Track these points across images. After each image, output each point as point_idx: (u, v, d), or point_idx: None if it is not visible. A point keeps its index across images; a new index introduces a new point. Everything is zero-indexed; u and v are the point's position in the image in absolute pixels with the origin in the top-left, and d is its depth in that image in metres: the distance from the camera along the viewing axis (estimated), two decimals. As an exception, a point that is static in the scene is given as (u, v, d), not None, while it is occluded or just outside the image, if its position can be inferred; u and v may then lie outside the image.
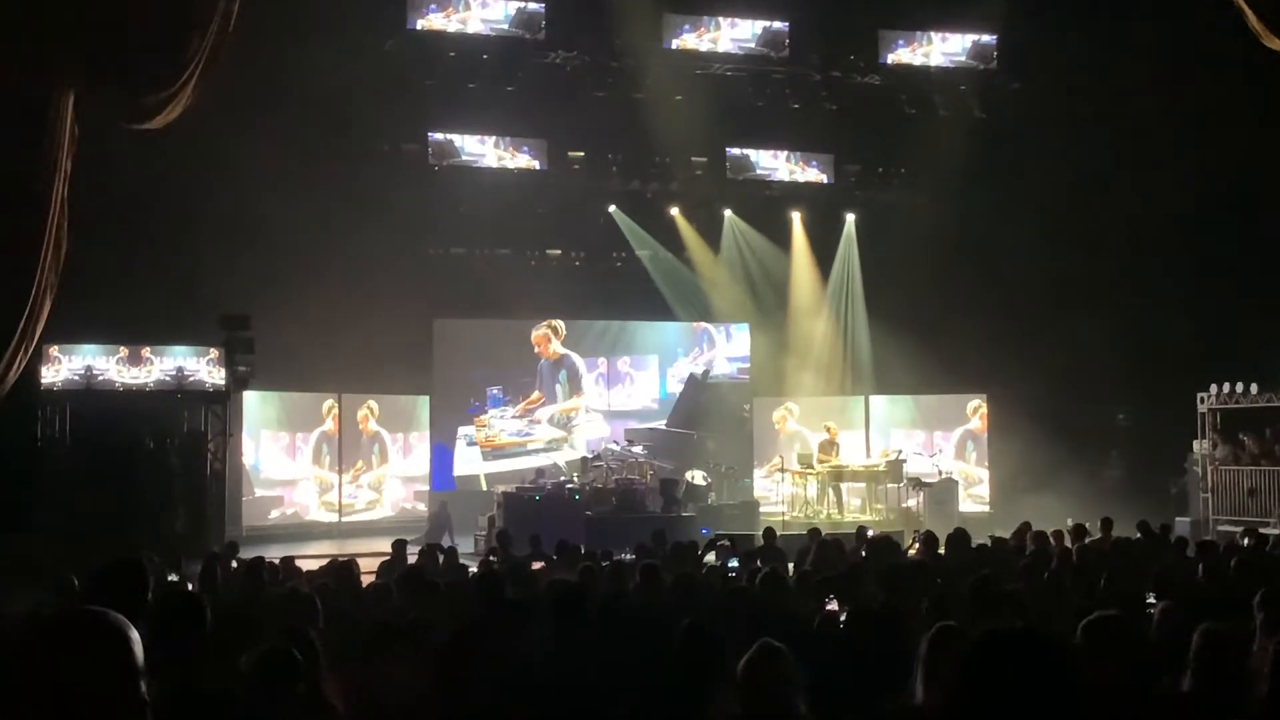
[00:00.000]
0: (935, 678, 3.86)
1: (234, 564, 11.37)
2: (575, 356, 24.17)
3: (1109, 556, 10.71)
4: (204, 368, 18.86)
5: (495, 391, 23.70)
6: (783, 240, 24.53)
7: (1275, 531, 14.65)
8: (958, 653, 2.69)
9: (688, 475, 20.99)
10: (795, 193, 24.21)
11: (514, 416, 23.73)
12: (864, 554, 11.59)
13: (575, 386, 24.18)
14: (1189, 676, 4.46)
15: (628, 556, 11.88)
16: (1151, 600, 7.42)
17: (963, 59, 22.80)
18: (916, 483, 20.80)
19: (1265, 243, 20.16)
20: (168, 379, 18.66)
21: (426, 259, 22.71)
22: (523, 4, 21.19)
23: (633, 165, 23.31)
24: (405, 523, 21.14)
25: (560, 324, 23.96)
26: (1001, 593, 7.04)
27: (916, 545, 12.42)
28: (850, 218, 24.56)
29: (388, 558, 11.81)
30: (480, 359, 23.66)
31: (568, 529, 15.17)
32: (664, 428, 23.79)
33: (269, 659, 4.64)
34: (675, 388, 24.48)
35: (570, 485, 20.25)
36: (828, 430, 22.08)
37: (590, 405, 24.23)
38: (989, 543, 12.20)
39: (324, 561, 11.43)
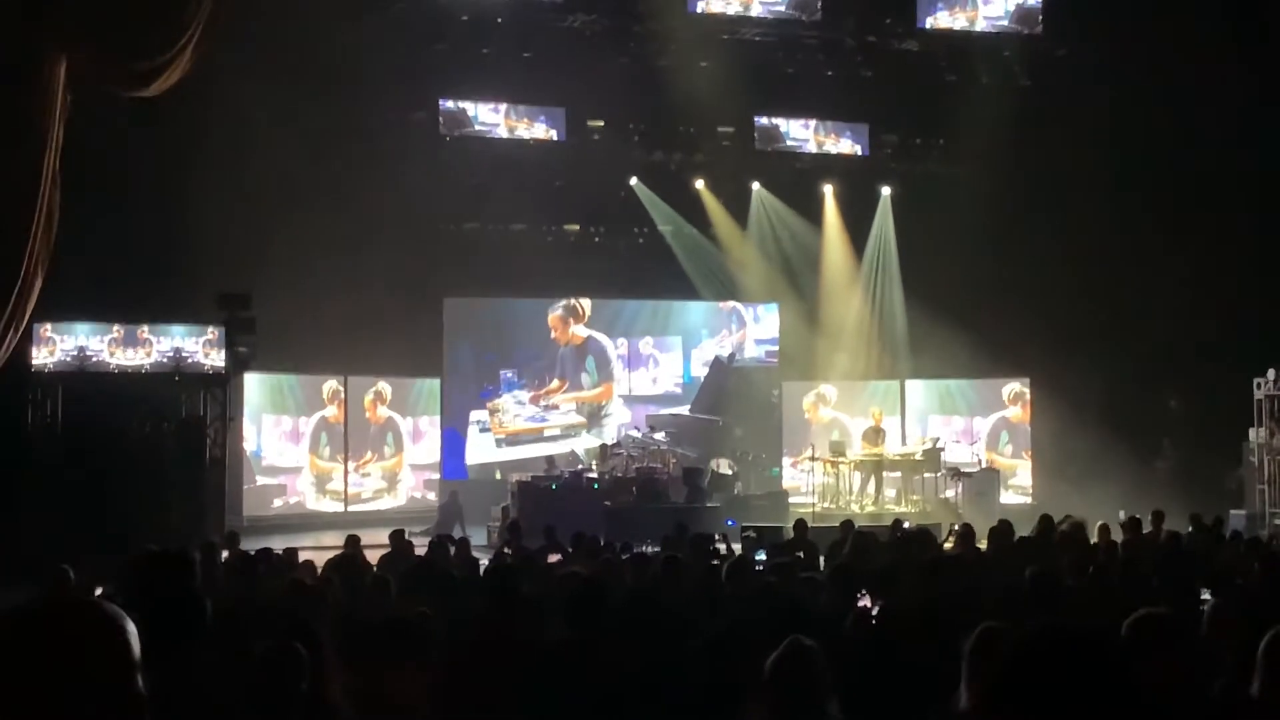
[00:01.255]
0: (980, 683, 3.83)
1: (224, 555, 11.41)
2: (603, 339, 24.07)
3: (1162, 552, 10.69)
4: (202, 348, 18.84)
5: (510, 375, 23.66)
6: (814, 215, 24.40)
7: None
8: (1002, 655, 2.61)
9: (713, 464, 20.95)
10: (828, 165, 24.07)
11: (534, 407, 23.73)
12: (899, 548, 11.56)
13: (605, 374, 24.09)
14: (1258, 683, 4.31)
15: (649, 549, 11.92)
16: (1205, 598, 7.41)
17: (1006, 23, 22.58)
18: (955, 472, 20.76)
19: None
20: (164, 360, 18.65)
21: (437, 234, 22.64)
22: (539, -35, 21.11)
23: (656, 136, 23.22)
24: (415, 513, 21.19)
25: (584, 304, 23.87)
26: (1061, 589, 7.01)
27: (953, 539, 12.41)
28: (886, 191, 24.41)
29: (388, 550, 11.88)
30: (494, 340, 23.67)
31: (586, 520, 15.17)
32: (688, 414, 23.66)
33: (273, 656, 4.65)
34: (700, 371, 24.39)
35: (589, 474, 20.24)
36: (873, 416, 22.00)
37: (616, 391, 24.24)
38: (1032, 532, 12.15)
39: (330, 554, 11.51)
